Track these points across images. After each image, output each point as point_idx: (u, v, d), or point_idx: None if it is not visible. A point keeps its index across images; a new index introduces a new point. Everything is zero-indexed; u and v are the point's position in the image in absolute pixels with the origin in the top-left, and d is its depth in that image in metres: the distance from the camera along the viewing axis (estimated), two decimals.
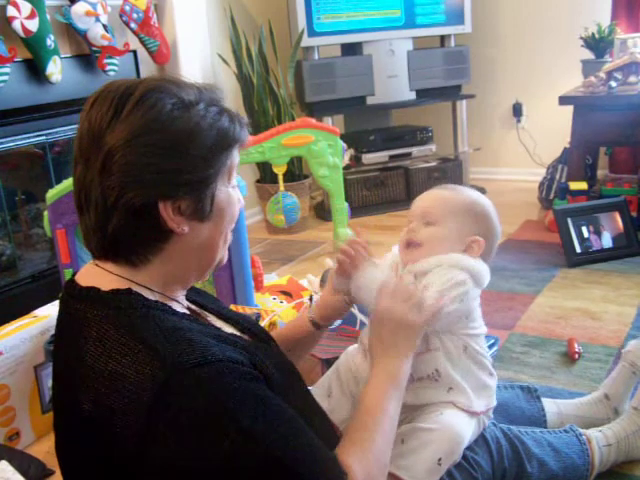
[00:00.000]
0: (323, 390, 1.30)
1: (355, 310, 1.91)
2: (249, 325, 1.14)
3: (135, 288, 0.93)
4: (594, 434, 1.42)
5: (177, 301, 1.00)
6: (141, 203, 0.89)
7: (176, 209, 0.91)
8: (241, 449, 0.82)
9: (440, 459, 1.14)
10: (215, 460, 0.82)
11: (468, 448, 1.22)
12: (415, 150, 3.83)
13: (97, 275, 0.95)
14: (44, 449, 1.72)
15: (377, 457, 0.98)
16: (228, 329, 1.08)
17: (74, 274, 1.00)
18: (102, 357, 0.86)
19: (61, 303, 0.99)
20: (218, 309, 1.15)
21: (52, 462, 1.59)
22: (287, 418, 0.89)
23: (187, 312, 1.01)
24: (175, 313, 0.94)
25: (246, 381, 0.87)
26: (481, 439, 1.25)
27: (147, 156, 0.88)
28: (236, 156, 0.98)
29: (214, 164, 0.93)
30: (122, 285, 0.93)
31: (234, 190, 1.00)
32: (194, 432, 0.81)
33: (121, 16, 2.74)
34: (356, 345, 1.32)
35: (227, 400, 0.83)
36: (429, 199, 1.26)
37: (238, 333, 1.08)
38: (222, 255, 1.02)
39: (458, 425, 1.18)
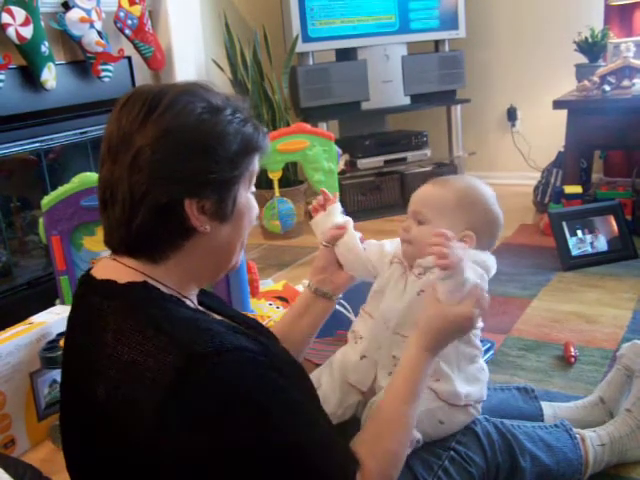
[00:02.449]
0: (313, 381, 1.31)
1: (350, 314, 1.91)
2: (255, 324, 1.16)
3: (150, 282, 0.95)
4: (588, 434, 1.43)
5: (189, 299, 1.02)
6: (167, 200, 0.91)
7: (200, 208, 0.93)
8: (257, 434, 0.84)
9: None
10: (231, 446, 0.84)
11: (461, 443, 1.23)
12: (410, 155, 3.83)
13: (114, 268, 0.96)
14: (40, 456, 1.71)
15: (390, 450, 1.01)
16: None
17: (90, 269, 1.01)
18: (119, 346, 0.87)
19: (76, 297, 1.00)
20: (224, 309, 1.16)
21: (48, 469, 1.58)
22: (302, 406, 0.91)
23: (199, 308, 1.03)
24: (188, 307, 0.97)
25: (262, 369, 0.89)
26: (473, 434, 1.25)
27: (176, 154, 0.91)
28: (257, 163, 1.01)
29: (239, 167, 0.96)
30: (138, 278, 0.94)
31: (252, 197, 1.03)
32: (211, 418, 0.83)
33: (115, 22, 2.75)
34: (351, 343, 1.30)
35: (244, 386, 0.85)
36: (419, 198, 1.26)
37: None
38: (237, 259, 1.05)
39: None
